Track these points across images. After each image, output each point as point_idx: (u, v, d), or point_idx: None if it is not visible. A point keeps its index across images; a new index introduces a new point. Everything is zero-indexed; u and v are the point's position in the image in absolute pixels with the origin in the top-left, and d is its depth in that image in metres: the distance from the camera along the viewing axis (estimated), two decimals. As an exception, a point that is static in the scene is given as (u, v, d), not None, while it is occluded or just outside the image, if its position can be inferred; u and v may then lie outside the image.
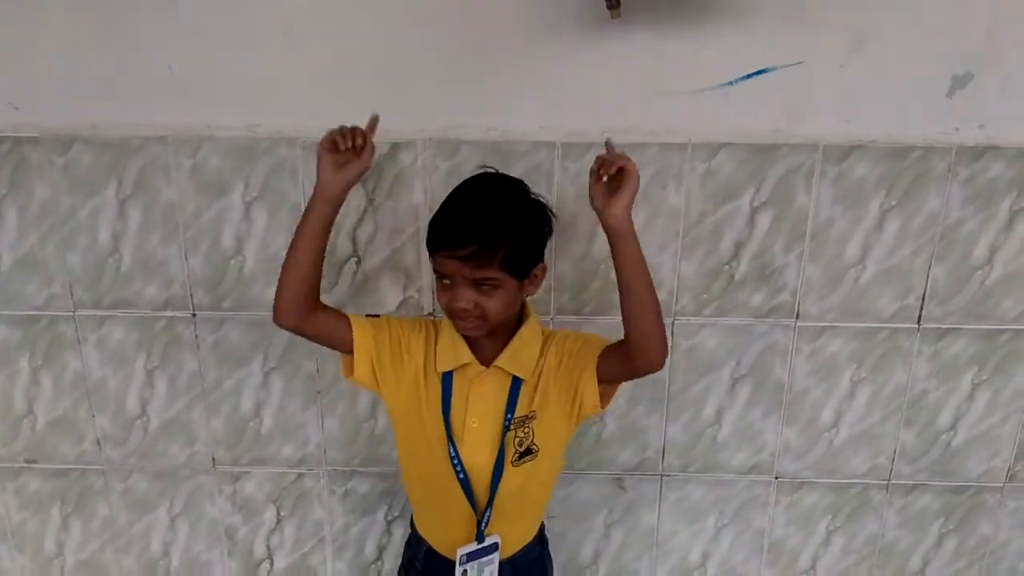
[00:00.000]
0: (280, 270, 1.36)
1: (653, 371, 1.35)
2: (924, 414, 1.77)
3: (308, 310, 1.37)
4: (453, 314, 1.34)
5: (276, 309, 1.37)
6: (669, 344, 1.66)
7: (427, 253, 1.36)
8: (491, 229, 1.28)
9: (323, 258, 1.36)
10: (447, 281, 1.32)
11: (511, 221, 1.31)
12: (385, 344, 1.43)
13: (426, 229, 1.54)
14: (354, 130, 1.31)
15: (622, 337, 1.34)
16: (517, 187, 1.39)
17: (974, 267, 1.65)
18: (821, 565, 1.93)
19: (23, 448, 1.85)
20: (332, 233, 1.59)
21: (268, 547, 1.94)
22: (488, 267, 1.28)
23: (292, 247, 1.35)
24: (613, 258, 1.29)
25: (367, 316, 1.46)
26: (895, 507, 1.86)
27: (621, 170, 1.23)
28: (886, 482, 1.84)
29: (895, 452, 1.81)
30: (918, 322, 1.69)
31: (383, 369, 1.43)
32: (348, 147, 1.30)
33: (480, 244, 1.26)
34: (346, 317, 1.42)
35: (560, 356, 1.42)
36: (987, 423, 1.78)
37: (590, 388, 1.39)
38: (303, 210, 1.35)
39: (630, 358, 1.34)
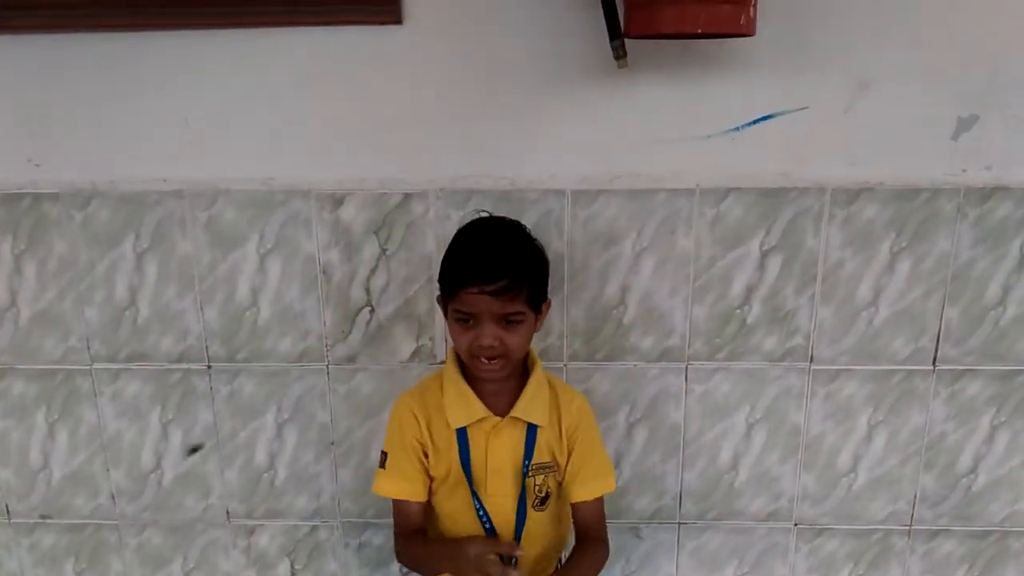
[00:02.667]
0: (410, 561, 1.51)
1: None
2: (943, 457, 1.75)
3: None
4: (477, 354, 1.34)
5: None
6: (682, 394, 1.72)
7: (441, 297, 1.38)
8: (519, 264, 1.32)
9: None
10: (469, 321, 1.33)
11: (531, 257, 1.37)
12: (419, 466, 1.46)
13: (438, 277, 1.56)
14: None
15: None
16: (522, 227, 1.42)
17: (987, 307, 1.64)
18: (844, 614, 1.89)
19: (38, 503, 1.85)
20: (346, 283, 1.64)
21: (282, 602, 1.93)
22: (516, 301, 1.30)
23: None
24: None
25: (383, 466, 1.49)
26: (918, 553, 1.83)
27: None
28: (908, 528, 1.81)
29: (915, 497, 1.78)
30: (933, 364, 1.68)
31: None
32: None
33: (511, 279, 1.29)
34: (420, 504, 1.48)
35: (573, 430, 1.47)
36: (1008, 465, 1.76)
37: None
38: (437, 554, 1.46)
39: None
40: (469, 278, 1.30)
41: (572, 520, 1.53)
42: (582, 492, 1.48)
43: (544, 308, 1.40)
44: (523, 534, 1.46)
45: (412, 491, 1.47)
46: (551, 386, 1.47)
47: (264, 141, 1.57)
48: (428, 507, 1.51)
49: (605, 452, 1.53)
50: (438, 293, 1.41)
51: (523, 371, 1.46)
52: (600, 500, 1.51)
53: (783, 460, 1.76)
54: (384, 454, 1.49)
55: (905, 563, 1.84)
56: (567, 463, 1.47)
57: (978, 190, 1.56)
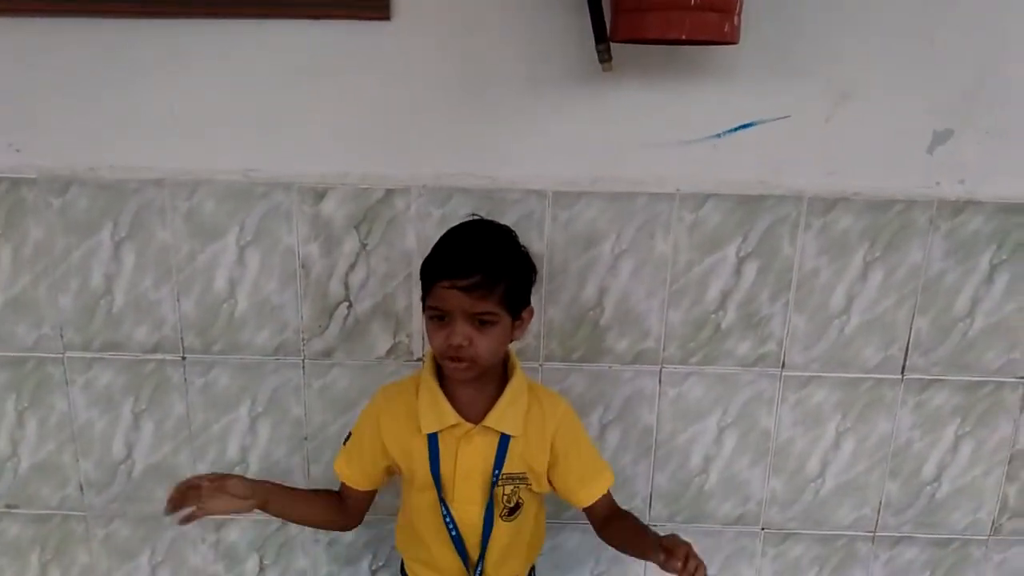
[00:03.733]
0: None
1: None
2: (908, 465, 1.79)
3: (354, 519, 1.56)
4: (446, 352, 1.33)
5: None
6: (656, 397, 1.74)
7: (419, 296, 1.37)
8: (493, 262, 1.31)
9: (318, 510, 1.53)
10: (443, 319, 1.32)
11: (510, 258, 1.35)
12: (368, 460, 1.48)
13: (418, 274, 1.56)
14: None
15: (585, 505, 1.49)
16: (509, 231, 1.42)
17: (956, 319, 1.68)
18: (808, 618, 1.92)
19: (4, 492, 1.82)
20: (325, 277, 1.64)
21: (250, 597, 1.92)
22: (488, 300, 1.29)
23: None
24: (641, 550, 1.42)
25: (344, 443, 1.51)
26: (881, 560, 1.86)
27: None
28: (872, 534, 1.84)
29: (880, 503, 1.81)
30: (902, 372, 1.71)
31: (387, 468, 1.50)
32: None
33: (483, 275, 1.28)
34: (355, 490, 1.51)
35: (559, 438, 1.45)
36: (971, 475, 1.79)
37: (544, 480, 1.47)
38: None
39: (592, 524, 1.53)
40: (442, 272, 1.30)
41: (591, 520, 1.52)
42: (589, 495, 1.48)
43: (526, 316, 1.39)
44: (489, 543, 1.45)
45: (350, 478, 1.50)
46: (532, 394, 1.45)
47: (247, 132, 1.56)
48: (370, 496, 1.53)
49: (596, 450, 1.52)
50: (422, 296, 1.40)
51: (503, 378, 1.44)
52: (608, 494, 1.50)
53: (753, 464, 1.79)
54: (349, 434, 1.51)
55: (868, 568, 1.87)
56: (559, 471, 1.45)
57: (951, 203, 1.60)
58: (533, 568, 1.63)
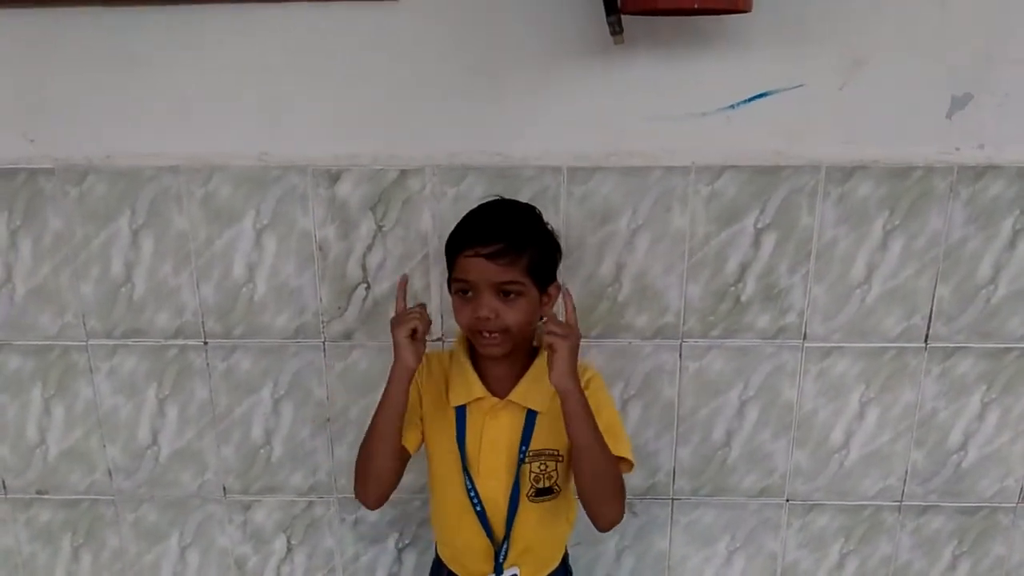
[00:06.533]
0: (360, 462, 1.42)
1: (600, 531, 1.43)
2: (934, 434, 1.77)
3: (386, 485, 1.44)
4: (475, 327, 1.33)
5: (366, 501, 1.44)
6: (676, 372, 1.70)
7: (437, 276, 1.37)
8: (517, 231, 1.32)
9: (398, 444, 1.41)
10: (469, 293, 1.32)
11: (533, 229, 1.36)
12: (416, 420, 1.46)
13: (435, 254, 1.56)
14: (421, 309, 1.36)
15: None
16: (533, 208, 1.43)
17: (979, 286, 1.65)
18: (835, 589, 1.91)
19: (35, 479, 1.85)
20: (342, 260, 1.65)
21: (278, 577, 1.94)
22: (514, 268, 1.29)
23: (376, 437, 1.39)
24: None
25: None
26: (908, 529, 1.85)
27: (551, 345, 1.28)
28: (898, 503, 1.83)
29: (906, 473, 1.80)
30: (925, 341, 1.70)
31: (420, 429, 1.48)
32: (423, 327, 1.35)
33: (507, 243, 1.28)
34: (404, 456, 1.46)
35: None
36: (997, 442, 1.78)
37: None
38: (383, 395, 1.37)
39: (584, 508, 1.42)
40: (466, 241, 1.31)
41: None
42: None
43: (553, 291, 1.39)
44: (515, 524, 1.44)
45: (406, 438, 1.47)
46: None
47: (260, 116, 1.57)
48: (404, 462, 1.48)
49: (621, 425, 1.47)
50: (448, 275, 1.39)
51: (533, 355, 1.44)
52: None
53: (776, 437, 1.78)
54: None
55: (895, 538, 1.86)
56: None
57: (971, 169, 1.57)
58: (567, 556, 1.60)
